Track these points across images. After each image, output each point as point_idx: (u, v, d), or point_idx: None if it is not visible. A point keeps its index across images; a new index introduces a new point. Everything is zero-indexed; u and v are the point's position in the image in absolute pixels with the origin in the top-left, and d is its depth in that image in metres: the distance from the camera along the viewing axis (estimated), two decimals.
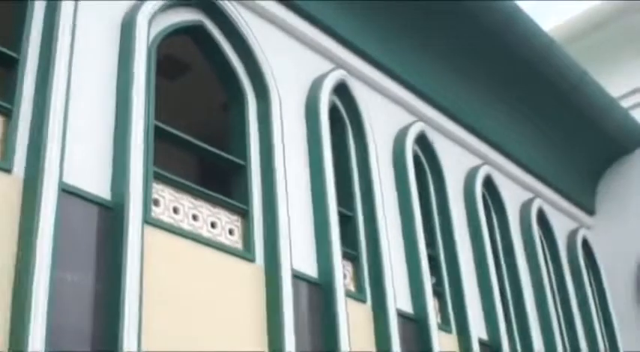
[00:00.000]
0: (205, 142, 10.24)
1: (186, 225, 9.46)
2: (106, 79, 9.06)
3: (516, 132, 17.01)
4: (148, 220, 8.69)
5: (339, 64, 12.87)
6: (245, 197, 10.25)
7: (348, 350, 10.35)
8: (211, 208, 9.86)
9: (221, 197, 10.00)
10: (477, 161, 15.66)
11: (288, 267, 9.98)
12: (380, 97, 13.75)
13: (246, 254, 9.87)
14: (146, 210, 8.69)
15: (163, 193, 9.35)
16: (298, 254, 10.46)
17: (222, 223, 9.91)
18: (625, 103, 19.26)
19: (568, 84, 16.97)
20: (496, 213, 15.82)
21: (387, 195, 12.73)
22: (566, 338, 16.33)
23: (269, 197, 10.32)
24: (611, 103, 18.32)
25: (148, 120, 9.05)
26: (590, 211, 19.59)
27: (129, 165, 8.52)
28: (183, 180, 9.63)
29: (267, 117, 10.83)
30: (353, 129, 12.67)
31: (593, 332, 17.04)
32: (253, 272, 9.86)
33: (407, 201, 13.00)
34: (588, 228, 19.19)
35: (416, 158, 13.93)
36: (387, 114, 13.75)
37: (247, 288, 9.70)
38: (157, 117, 9.46)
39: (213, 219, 9.82)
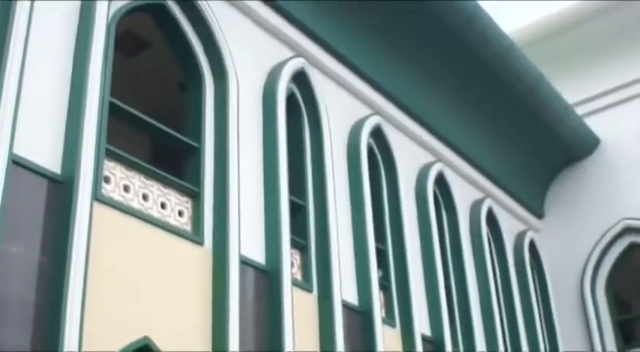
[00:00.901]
0: (160, 122, 10.16)
1: (136, 204, 9.40)
2: (64, 54, 8.95)
3: (471, 132, 17.13)
4: (97, 197, 8.62)
5: (300, 53, 12.86)
6: (197, 179, 10.20)
7: (292, 338, 10.36)
8: (162, 188, 9.81)
9: (172, 178, 9.94)
10: (430, 158, 15.76)
11: (236, 253, 9.95)
12: (338, 88, 13.76)
13: (194, 236, 9.83)
14: (96, 186, 8.61)
15: (115, 171, 9.27)
16: (247, 240, 10.43)
17: (172, 204, 9.87)
18: (580, 110, 19.46)
19: (525, 87, 17.11)
20: (446, 210, 15.93)
21: (340, 186, 12.76)
22: (507, 337, 16.52)
23: (221, 181, 10.28)
24: (567, 109, 18.50)
25: (103, 96, 8.97)
26: (539, 214, 19.82)
27: (81, 140, 8.43)
28: (135, 159, 9.55)
29: (224, 100, 10.79)
30: (309, 117, 12.67)
31: (535, 333, 17.26)
32: (201, 256, 9.82)
33: (359, 193, 13.04)
34: (536, 230, 19.42)
35: (370, 151, 13.97)
36: (344, 105, 13.77)
37: (194, 271, 9.67)
38: (113, 93, 9.38)
39: (163, 199, 9.77)
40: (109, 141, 9.09)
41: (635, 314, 20.59)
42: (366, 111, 14.17)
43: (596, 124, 19.70)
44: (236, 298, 9.66)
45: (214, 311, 9.57)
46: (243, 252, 10.18)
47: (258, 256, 10.67)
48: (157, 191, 9.71)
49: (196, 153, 10.37)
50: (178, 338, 9.03)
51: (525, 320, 17.16)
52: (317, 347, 11.14)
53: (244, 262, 10.23)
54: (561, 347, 18.22)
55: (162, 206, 9.72)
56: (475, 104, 16.78)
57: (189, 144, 10.37)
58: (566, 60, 20.16)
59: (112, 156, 9.20)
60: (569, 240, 19.56)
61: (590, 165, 20.07)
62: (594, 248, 19.23)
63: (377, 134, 14.11)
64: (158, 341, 8.70)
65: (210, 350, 9.34)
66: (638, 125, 19.43)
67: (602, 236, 19.21)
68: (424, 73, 15.43)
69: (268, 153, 11.38)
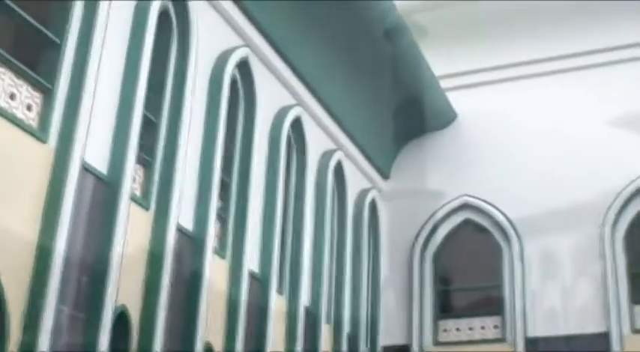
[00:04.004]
0: (25, 11, 9.82)
1: None
2: None
3: (336, 84, 17.29)
4: None
5: None
6: (52, 75, 9.95)
7: (121, 250, 10.36)
8: (14, 78, 9.53)
9: (26, 69, 9.65)
10: (291, 101, 15.86)
11: (79, 157, 9.82)
12: (214, 15, 13.60)
13: (39, 133, 9.62)
14: None
15: None
16: (93, 147, 10.27)
17: (22, 97, 9.61)
18: (445, 83, 19.83)
19: (394, 49, 17.35)
20: (297, 155, 16.11)
21: (197, 111, 12.69)
22: (334, 286, 16.94)
23: (77, 82, 10.07)
24: (431, 79, 18.86)
25: None
26: (386, 175, 20.29)
27: None
28: None
29: (94, 6, 10.54)
30: (179, 39, 12.47)
31: (360, 287, 17.76)
32: (43, 154, 9.63)
33: (214, 121, 13.01)
34: (380, 191, 19.87)
35: (234, 84, 13.95)
36: (216, 32, 13.62)
37: (33, 168, 9.47)
38: None
39: (13, 90, 9.50)
40: None
41: (455, 287, 21.27)
42: (237, 41, 14.10)
43: (457, 100, 20.18)
44: (70, 201, 9.56)
45: (46, 209, 9.43)
46: (86, 158, 10.06)
47: (101, 165, 10.54)
48: (8, 80, 9.43)
49: (57, 49, 10.10)
50: (4, 229, 8.86)
51: (353, 273, 17.62)
52: (144, 264, 11.15)
53: (86, 168, 10.12)
54: (382, 303, 18.83)
55: (12, 97, 9.45)
56: (343, 56, 16.93)
57: (51, 39, 10.09)
58: (442, 32, 20.43)
59: None
60: (409, 206, 20.11)
61: (443, 138, 20.60)
62: (430, 218, 19.85)
63: (243, 66, 14.11)
64: None
65: (35, 244, 9.20)
66: (496, 108, 20.03)
67: (441, 207, 19.83)
68: (299, 14, 15.31)
69: (130, 66, 11.21)
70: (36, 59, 10.15)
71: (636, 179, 18.37)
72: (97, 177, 10.43)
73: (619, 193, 18.34)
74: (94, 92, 10.20)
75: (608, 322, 17.60)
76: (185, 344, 11.72)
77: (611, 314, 17.64)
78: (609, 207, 18.31)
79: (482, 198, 19.47)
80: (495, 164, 19.58)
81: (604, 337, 17.55)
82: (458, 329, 19.31)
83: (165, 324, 11.13)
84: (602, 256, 18.04)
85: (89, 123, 10.04)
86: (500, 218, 19.21)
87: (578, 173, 18.66)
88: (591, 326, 17.76)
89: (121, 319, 10.55)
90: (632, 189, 18.38)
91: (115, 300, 10.19)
